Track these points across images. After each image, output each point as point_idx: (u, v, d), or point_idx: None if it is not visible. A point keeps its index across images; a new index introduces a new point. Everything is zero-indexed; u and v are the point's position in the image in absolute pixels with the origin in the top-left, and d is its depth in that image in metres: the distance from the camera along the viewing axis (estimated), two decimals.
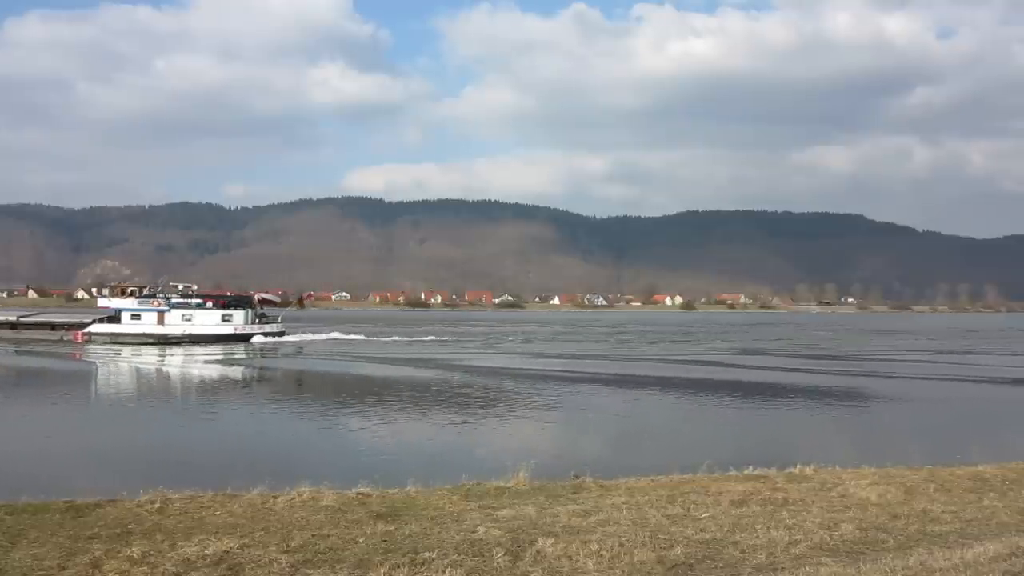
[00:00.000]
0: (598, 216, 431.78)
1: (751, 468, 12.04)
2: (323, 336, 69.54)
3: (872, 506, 9.49)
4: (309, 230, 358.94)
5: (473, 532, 7.99)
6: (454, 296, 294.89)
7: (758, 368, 43.13)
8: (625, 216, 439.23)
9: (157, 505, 9.05)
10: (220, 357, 48.86)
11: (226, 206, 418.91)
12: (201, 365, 44.32)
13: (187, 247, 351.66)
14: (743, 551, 7.48)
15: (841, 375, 39.98)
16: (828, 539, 7.95)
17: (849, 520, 8.69)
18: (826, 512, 9.12)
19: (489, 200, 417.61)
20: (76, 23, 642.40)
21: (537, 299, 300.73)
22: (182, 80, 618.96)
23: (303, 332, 70.15)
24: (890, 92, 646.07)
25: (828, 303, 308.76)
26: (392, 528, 8.16)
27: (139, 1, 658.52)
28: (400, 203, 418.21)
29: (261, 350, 56.20)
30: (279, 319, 68.73)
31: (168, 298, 63.75)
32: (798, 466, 12.01)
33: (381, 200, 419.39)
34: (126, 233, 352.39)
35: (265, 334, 63.36)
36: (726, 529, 8.23)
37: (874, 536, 8.14)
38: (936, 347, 66.66)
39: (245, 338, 61.68)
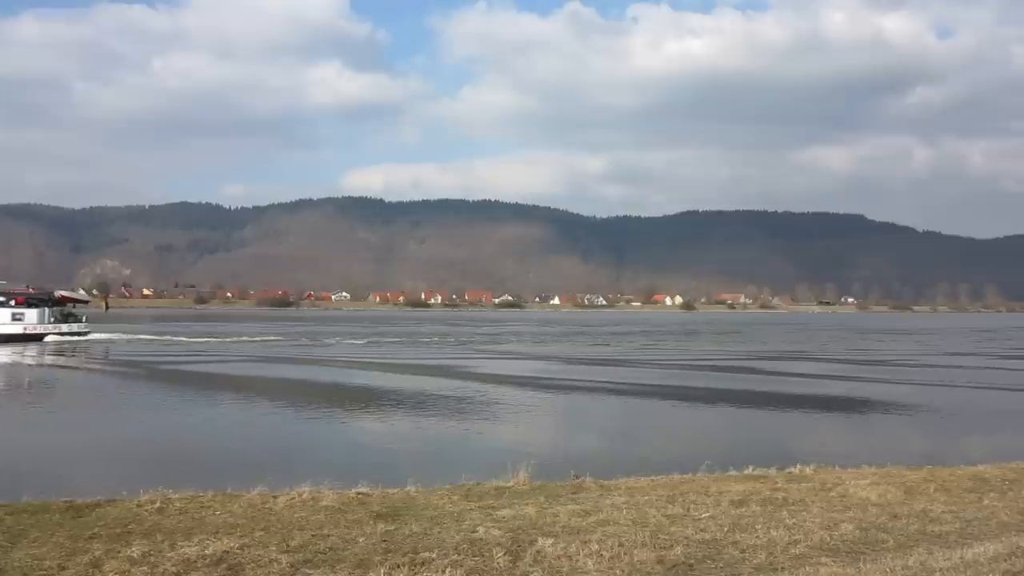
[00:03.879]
0: (598, 216, 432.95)
1: (751, 468, 12.02)
2: (126, 336, 68.48)
3: (872, 506, 9.48)
4: (309, 230, 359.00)
5: (473, 532, 7.98)
6: (454, 296, 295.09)
7: None
8: (625, 216, 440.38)
9: (157, 505, 9.04)
10: None
11: (226, 206, 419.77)
12: None
13: (187, 247, 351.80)
14: (743, 551, 7.48)
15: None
16: (828, 539, 7.94)
17: (849, 520, 8.68)
18: (826, 512, 9.12)
19: (489, 200, 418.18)
20: (72, 22, 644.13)
21: (537, 299, 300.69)
22: (180, 79, 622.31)
23: (118, 332, 69.82)
24: (889, 92, 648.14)
25: (828, 303, 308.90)
26: (392, 528, 8.15)
27: (134, 0, 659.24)
28: (400, 203, 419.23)
29: (51, 350, 54.54)
30: (83, 319, 68.10)
31: None
32: (798, 466, 11.99)
33: (381, 200, 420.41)
34: (126, 233, 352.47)
35: (61, 333, 62.42)
36: (726, 529, 8.22)
37: (874, 536, 8.13)
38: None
39: (38, 338, 60.82)
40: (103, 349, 56.12)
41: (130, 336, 68.92)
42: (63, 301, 68.57)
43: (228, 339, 68.72)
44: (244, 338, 70.06)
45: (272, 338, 70.05)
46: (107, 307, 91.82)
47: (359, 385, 34.10)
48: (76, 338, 63.17)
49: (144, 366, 42.78)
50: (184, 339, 66.77)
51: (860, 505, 9.53)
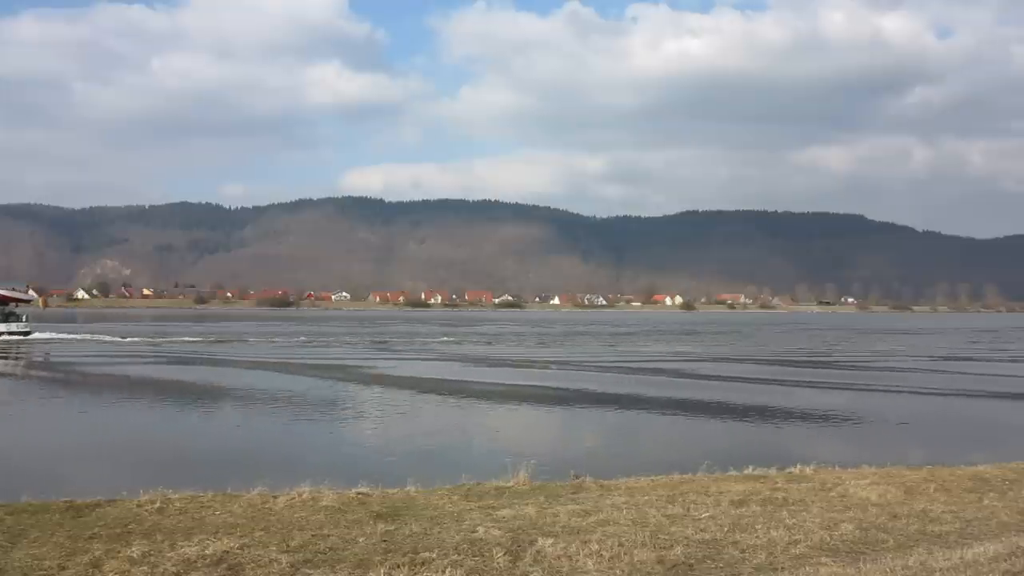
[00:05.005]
0: (598, 216, 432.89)
1: (751, 468, 12.01)
2: (66, 336, 67.56)
3: (872, 506, 9.48)
4: (309, 230, 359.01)
5: (473, 532, 7.98)
6: (454, 296, 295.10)
7: None
8: (625, 216, 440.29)
9: (157, 505, 9.03)
10: None
11: (226, 206, 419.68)
12: None
13: (187, 247, 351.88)
14: (743, 551, 7.48)
15: None
16: (828, 539, 7.94)
17: (849, 520, 8.68)
18: (826, 512, 9.11)
19: (489, 200, 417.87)
20: (71, 22, 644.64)
21: (537, 299, 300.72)
22: (179, 79, 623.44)
23: (63, 331, 69.14)
24: (888, 92, 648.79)
25: (828, 303, 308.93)
26: (392, 528, 8.14)
27: (133, 0, 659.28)
28: (400, 203, 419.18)
29: None
30: (24, 318, 67.27)
31: None
32: (798, 466, 11.98)
33: (381, 200, 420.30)
34: (126, 233, 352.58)
35: None
36: (726, 529, 8.22)
37: (874, 536, 8.13)
38: None
39: None
40: (44, 350, 54.80)
41: (75, 336, 67.72)
42: (4, 300, 67.35)
43: (189, 339, 66.77)
44: (184, 338, 67.99)
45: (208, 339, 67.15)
46: (45, 305, 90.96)
47: (343, 389, 34.04)
48: (16, 338, 62.18)
49: (85, 369, 41.84)
50: (135, 339, 65.17)
51: (860, 505, 9.52)
